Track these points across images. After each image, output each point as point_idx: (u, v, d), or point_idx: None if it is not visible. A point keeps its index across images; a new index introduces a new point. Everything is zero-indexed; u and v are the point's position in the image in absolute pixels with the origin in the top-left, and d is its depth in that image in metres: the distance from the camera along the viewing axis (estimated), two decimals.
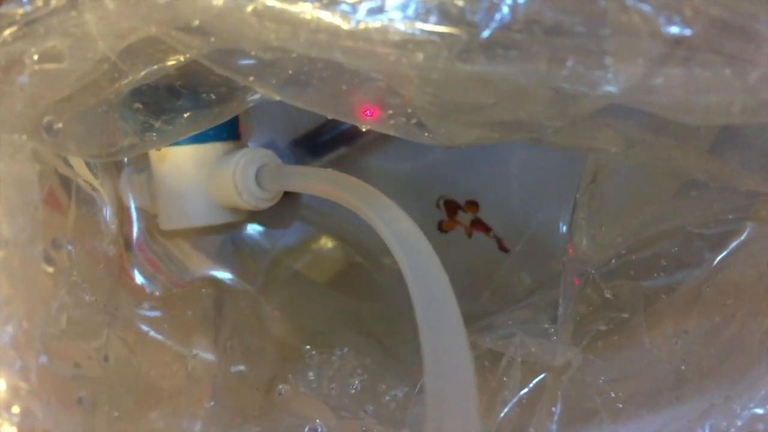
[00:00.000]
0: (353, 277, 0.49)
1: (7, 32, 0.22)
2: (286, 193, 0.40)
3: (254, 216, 0.47)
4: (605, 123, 0.31)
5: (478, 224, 0.48)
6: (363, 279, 0.49)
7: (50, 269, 0.26)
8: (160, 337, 0.36)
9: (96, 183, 0.33)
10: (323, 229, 0.49)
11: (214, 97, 0.31)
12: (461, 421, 0.21)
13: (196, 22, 0.22)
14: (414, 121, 0.26)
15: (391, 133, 0.27)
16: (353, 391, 0.37)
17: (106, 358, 0.29)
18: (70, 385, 0.26)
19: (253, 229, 0.48)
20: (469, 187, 0.49)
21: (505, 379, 0.30)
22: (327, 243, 0.49)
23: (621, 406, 0.29)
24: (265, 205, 0.38)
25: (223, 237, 0.47)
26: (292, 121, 0.49)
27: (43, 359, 0.23)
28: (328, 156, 0.48)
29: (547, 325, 0.34)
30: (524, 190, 0.48)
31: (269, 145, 0.48)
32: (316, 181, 0.33)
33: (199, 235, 0.46)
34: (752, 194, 0.31)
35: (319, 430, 0.33)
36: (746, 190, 0.30)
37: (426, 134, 0.27)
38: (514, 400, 0.30)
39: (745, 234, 0.31)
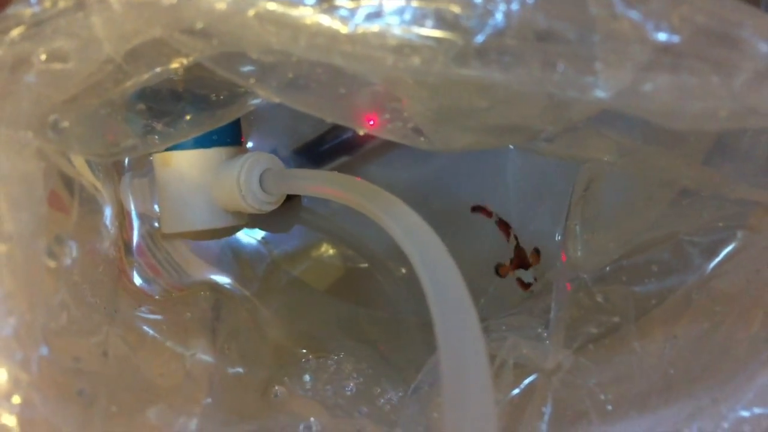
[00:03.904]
0: (352, 283, 0.49)
1: (15, 32, 0.23)
2: (287, 198, 0.41)
3: (255, 220, 0.48)
4: (598, 132, 0.31)
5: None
6: (362, 285, 0.50)
7: (53, 264, 0.27)
8: (158, 338, 0.37)
9: (98, 184, 0.34)
10: (324, 232, 0.49)
11: (215, 100, 0.31)
12: (479, 417, 0.21)
13: (200, 25, 0.23)
14: (410, 125, 0.27)
15: (388, 137, 0.27)
16: (348, 393, 0.37)
17: (105, 354, 0.29)
18: (70, 378, 0.26)
19: (252, 235, 0.49)
20: (468, 195, 0.50)
21: (496, 380, 0.31)
22: (326, 249, 0.50)
23: (610, 408, 0.29)
24: (268, 208, 0.38)
25: (222, 243, 0.48)
26: (294, 130, 0.49)
27: (44, 351, 0.23)
28: (329, 165, 0.49)
29: (540, 330, 0.34)
30: (521, 198, 0.49)
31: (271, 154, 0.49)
32: (319, 182, 0.34)
33: (199, 239, 0.46)
34: (743, 203, 0.31)
35: (314, 428, 0.33)
36: (737, 199, 0.31)
37: (422, 139, 0.27)
38: (505, 400, 0.30)
39: (735, 242, 0.31)
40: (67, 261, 0.28)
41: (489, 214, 0.48)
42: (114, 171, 0.41)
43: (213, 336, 0.39)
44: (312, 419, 0.33)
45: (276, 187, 0.38)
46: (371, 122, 0.27)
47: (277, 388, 0.38)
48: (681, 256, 0.32)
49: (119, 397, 0.28)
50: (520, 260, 0.46)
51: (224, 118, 0.32)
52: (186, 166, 0.39)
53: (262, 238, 0.49)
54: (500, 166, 0.49)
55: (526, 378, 0.31)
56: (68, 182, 0.31)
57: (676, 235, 0.33)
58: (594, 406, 0.29)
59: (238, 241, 0.48)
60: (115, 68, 0.25)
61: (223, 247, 0.48)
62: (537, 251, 0.46)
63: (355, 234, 0.50)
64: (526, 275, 0.45)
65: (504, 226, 0.47)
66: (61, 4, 0.23)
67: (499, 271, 0.47)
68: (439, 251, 0.26)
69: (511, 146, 0.46)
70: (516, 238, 0.46)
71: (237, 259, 0.48)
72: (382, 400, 0.37)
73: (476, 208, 0.48)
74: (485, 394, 0.21)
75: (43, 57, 0.23)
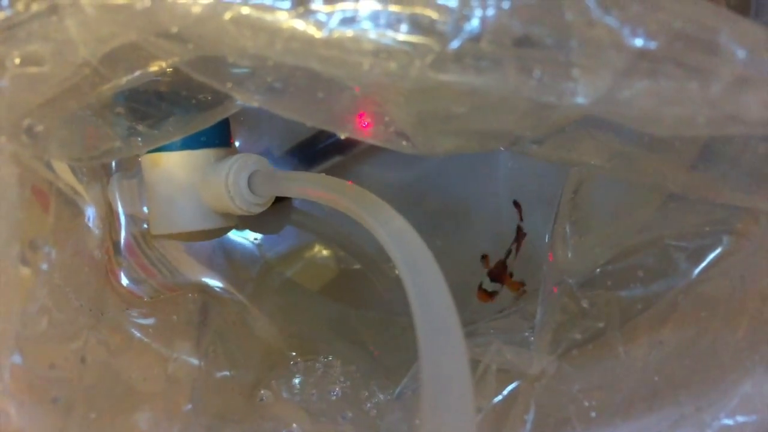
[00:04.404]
0: (344, 285, 0.49)
1: None
2: (278, 199, 0.41)
3: (245, 221, 0.47)
4: (588, 134, 0.31)
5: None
6: (355, 286, 0.49)
7: (26, 270, 0.26)
8: (144, 339, 0.37)
9: (79, 187, 0.33)
10: (315, 233, 0.49)
11: (198, 101, 0.31)
12: (458, 425, 0.21)
13: (175, 29, 0.22)
14: (392, 129, 0.27)
15: (371, 141, 0.27)
16: (333, 397, 0.37)
17: (83, 360, 0.29)
18: (45, 386, 0.26)
19: (244, 237, 0.49)
20: (460, 196, 0.50)
21: (479, 386, 0.30)
22: (319, 250, 0.50)
23: (594, 414, 0.29)
24: (256, 210, 0.38)
25: (215, 243, 0.48)
26: (287, 131, 0.49)
27: (17, 359, 0.23)
28: (322, 165, 0.49)
29: (527, 334, 0.34)
30: (512, 200, 0.49)
31: (264, 154, 0.49)
32: (307, 184, 0.34)
33: (189, 240, 0.46)
34: (730, 208, 0.31)
35: None
36: (722, 204, 0.30)
37: (405, 143, 0.27)
38: (488, 407, 0.30)
39: (721, 247, 0.31)
40: (44, 265, 0.28)
41: (521, 217, 0.47)
42: (102, 172, 0.41)
43: (198, 339, 0.39)
44: (294, 425, 0.33)
45: (264, 189, 0.37)
46: (352, 126, 0.27)
47: (263, 392, 0.38)
48: (667, 261, 0.32)
49: (98, 403, 0.28)
50: (496, 271, 0.46)
51: (209, 119, 0.32)
52: (174, 168, 0.39)
53: (255, 239, 0.49)
54: (492, 167, 0.49)
55: (509, 384, 0.31)
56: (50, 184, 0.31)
57: (663, 239, 0.32)
58: (577, 412, 0.29)
59: (230, 242, 0.48)
60: (91, 71, 0.25)
61: (216, 248, 0.48)
62: (522, 283, 0.45)
63: (348, 235, 0.50)
64: (491, 285, 0.45)
65: (520, 233, 0.47)
66: (34, 8, 0.22)
67: (483, 260, 0.47)
68: (424, 256, 0.26)
69: (501, 148, 0.46)
70: (512, 252, 0.46)
71: (229, 260, 0.48)
72: (369, 404, 0.37)
73: (516, 204, 0.47)
74: (465, 401, 0.21)
75: (18, 61, 0.23)
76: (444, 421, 0.21)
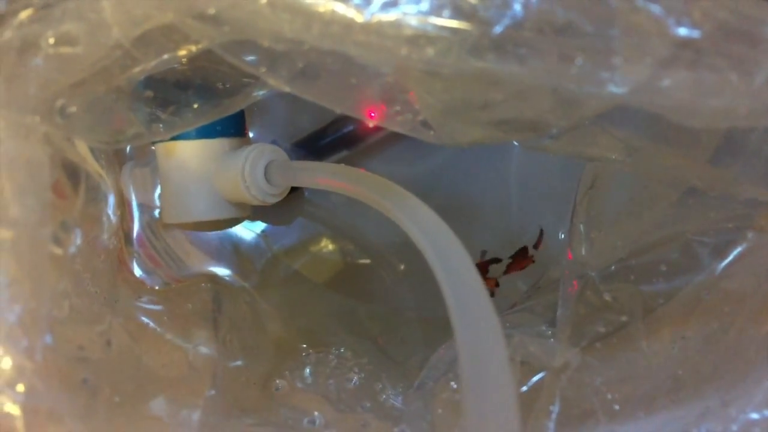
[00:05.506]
0: (350, 278, 0.49)
1: (23, 14, 0.23)
2: (291, 190, 0.40)
3: (257, 212, 0.47)
4: (606, 130, 0.31)
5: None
6: (361, 279, 0.49)
7: (59, 251, 0.26)
8: (159, 329, 0.36)
9: (102, 172, 0.33)
10: (326, 225, 0.49)
11: (220, 90, 0.31)
12: (500, 408, 0.21)
13: (212, 11, 0.22)
14: (420, 118, 0.27)
15: (397, 129, 0.27)
16: (351, 386, 0.37)
17: (108, 343, 0.29)
18: (74, 367, 0.26)
19: (251, 228, 0.48)
20: (469, 192, 0.50)
21: None
22: (326, 244, 0.50)
23: (617, 407, 0.29)
24: (272, 200, 0.38)
25: (222, 235, 0.48)
26: (294, 124, 0.49)
27: (48, 339, 0.23)
28: (329, 158, 0.48)
29: (543, 328, 0.34)
30: (523, 197, 0.49)
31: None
32: (326, 175, 0.33)
33: (200, 230, 0.46)
34: (752, 203, 0.31)
35: (317, 422, 0.33)
36: (745, 199, 0.30)
37: (431, 133, 0.27)
38: None
39: (746, 243, 0.31)
40: (72, 249, 0.28)
41: (538, 244, 0.47)
42: (115, 160, 0.41)
43: (215, 328, 0.39)
44: (316, 413, 0.33)
45: (281, 179, 0.37)
46: (381, 114, 0.27)
47: (278, 381, 0.38)
48: (690, 256, 0.32)
49: (122, 387, 0.28)
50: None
51: (229, 108, 0.32)
52: (189, 156, 0.39)
53: (262, 231, 0.49)
54: (502, 163, 0.49)
55: (533, 376, 0.31)
56: (71, 169, 0.31)
57: (685, 234, 0.32)
58: (601, 405, 0.29)
59: (238, 235, 0.48)
60: (123, 54, 0.24)
61: (223, 240, 0.48)
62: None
63: (357, 227, 0.49)
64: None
65: (527, 257, 0.47)
66: None
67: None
68: (454, 245, 0.26)
69: (515, 143, 0.46)
70: (501, 260, 0.46)
71: (236, 252, 0.48)
72: (384, 396, 0.37)
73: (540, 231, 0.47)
74: (506, 386, 0.21)
75: (52, 40, 0.23)
76: (487, 405, 0.21)
